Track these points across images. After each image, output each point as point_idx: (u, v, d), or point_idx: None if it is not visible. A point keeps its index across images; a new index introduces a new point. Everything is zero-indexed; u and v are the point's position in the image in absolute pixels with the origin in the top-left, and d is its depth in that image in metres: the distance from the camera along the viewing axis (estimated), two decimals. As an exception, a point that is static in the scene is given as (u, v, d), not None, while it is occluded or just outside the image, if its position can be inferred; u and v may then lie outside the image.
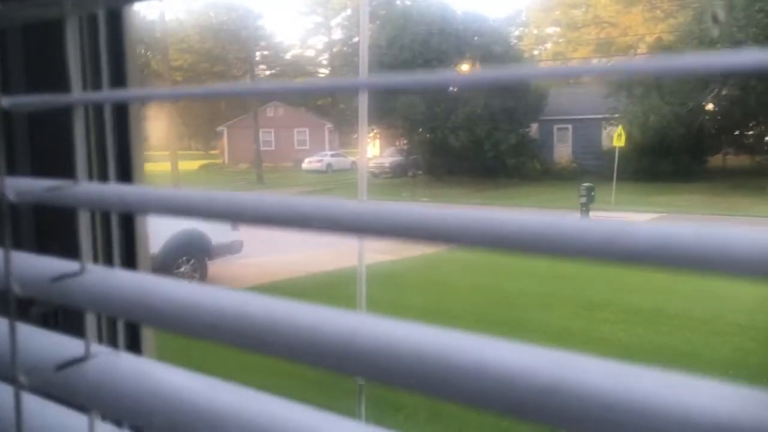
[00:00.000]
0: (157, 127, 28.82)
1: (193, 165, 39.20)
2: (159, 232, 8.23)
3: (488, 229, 0.33)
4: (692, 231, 0.28)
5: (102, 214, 0.64)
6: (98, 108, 0.65)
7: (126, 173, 0.68)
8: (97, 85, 0.64)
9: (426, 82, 0.36)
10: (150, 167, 27.25)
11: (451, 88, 28.68)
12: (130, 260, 0.68)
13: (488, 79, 0.36)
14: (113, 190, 0.48)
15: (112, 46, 0.64)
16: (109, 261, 0.62)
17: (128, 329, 0.66)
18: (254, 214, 0.39)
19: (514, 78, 0.36)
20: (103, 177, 0.66)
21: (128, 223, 0.67)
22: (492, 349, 0.32)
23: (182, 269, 8.98)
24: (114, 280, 0.48)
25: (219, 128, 43.10)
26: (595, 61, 44.52)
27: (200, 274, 9.19)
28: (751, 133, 28.29)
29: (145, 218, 0.75)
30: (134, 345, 0.67)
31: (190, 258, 9.05)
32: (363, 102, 4.63)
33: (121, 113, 0.67)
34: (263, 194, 0.40)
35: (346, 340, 0.34)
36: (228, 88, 0.44)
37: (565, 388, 0.29)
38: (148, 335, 0.69)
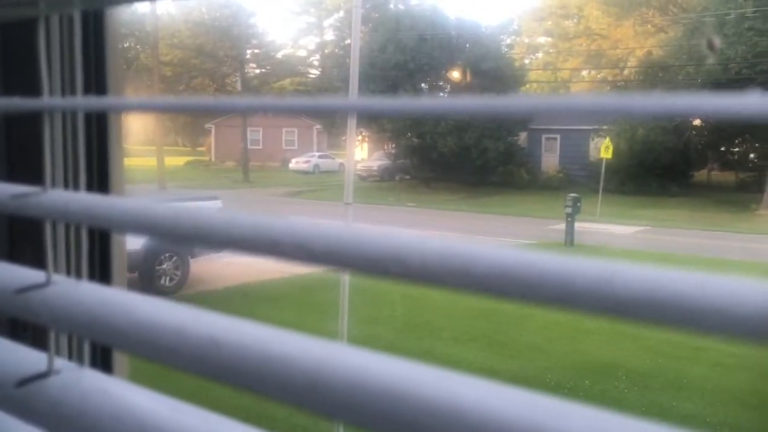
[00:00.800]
0: (143, 122, 28.64)
1: (179, 161, 38.95)
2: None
3: (475, 268, 0.31)
4: (688, 280, 0.26)
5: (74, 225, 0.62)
6: (74, 113, 0.63)
7: (103, 182, 0.65)
8: (72, 91, 0.62)
9: (416, 108, 0.35)
10: (135, 162, 27.08)
11: (441, 94, 28.72)
12: (103, 271, 0.66)
13: (476, 108, 0.34)
14: (79, 200, 0.46)
15: (92, 49, 0.61)
16: (78, 273, 0.60)
17: (96, 344, 0.64)
18: (226, 237, 0.37)
19: (505, 109, 0.34)
20: (75, 186, 0.63)
21: (106, 233, 0.65)
22: (473, 390, 0.30)
23: (164, 266, 8.90)
24: (79, 294, 0.46)
25: (207, 125, 42.89)
26: (585, 72, 44.79)
27: (182, 271, 9.11)
28: (736, 149, 28.58)
29: (122, 238, 0.73)
30: (105, 360, 0.65)
31: (172, 255, 8.97)
32: (354, 79, 4.61)
33: (100, 120, 0.64)
34: (239, 215, 0.38)
35: (327, 377, 0.33)
36: (212, 102, 0.42)
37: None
38: (118, 354, 0.67)
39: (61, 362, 0.48)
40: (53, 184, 0.53)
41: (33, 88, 0.58)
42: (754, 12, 20.28)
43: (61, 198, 0.47)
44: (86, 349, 0.53)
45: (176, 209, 0.41)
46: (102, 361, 0.64)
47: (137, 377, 0.64)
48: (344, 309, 4.77)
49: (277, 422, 4.60)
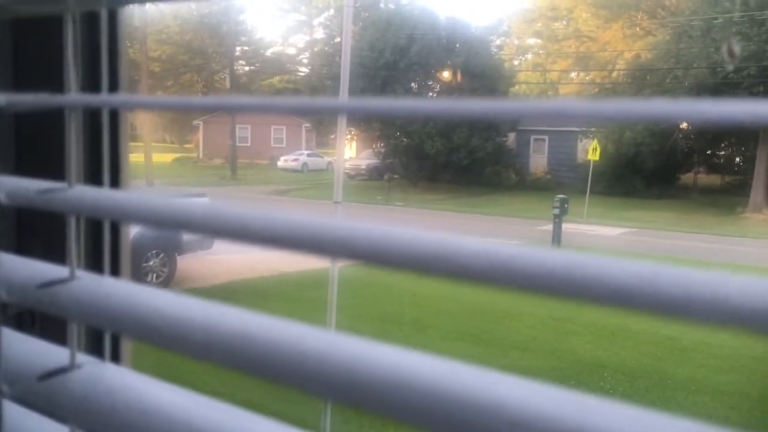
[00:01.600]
0: (131, 119, 28.41)
1: (166, 158, 38.76)
2: (130, 224, 8.10)
3: (470, 261, 0.32)
4: (681, 274, 0.28)
5: (93, 219, 0.62)
6: (91, 111, 0.63)
7: (115, 179, 0.66)
8: (94, 87, 0.62)
9: (405, 109, 0.36)
10: (123, 158, 26.81)
11: (430, 94, 28.73)
12: (115, 268, 0.66)
13: (464, 110, 0.35)
14: (109, 196, 0.47)
15: (110, 47, 0.62)
16: (98, 268, 0.60)
17: (111, 338, 0.64)
18: (260, 232, 0.38)
19: (493, 111, 0.35)
20: (96, 182, 0.64)
21: (116, 229, 0.65)
22: (511, 387, 0.31)
23: (151, 263, 8.85)
24: (105, 288, 0.46)
25: (195, 122, 42.69)
26: (573, 74, 44.98)
27: (169, 269, 9.06)
28: (722, 153, 28.85)
29: (127, 230, 0.74)
30: (115, 354, 0.65)
31: (159, 252, 8.92)
32: (344, 78, 4.60)
33: (114, 117, 0.65)
34: (267, 211, 0.39)
35: (361, 371, 0.33)
36: (214, 101, 0.42)
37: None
38: (126, 344, 0.67)
39: (82, 357, 0.48)
40: (76, 181, 0.54)
41: (47, 85, 0.58)
42: (741, 16, 20.46)
43: (87, 194, 0.47)
44: (106, 343, 0.53)
45: (204, 204, 0.42)
46: (113, 356, 0.65)
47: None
48: (332, 306, 4.78)
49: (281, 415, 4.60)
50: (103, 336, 0.55)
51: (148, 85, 28.29)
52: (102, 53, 0.56)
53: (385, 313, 7.90)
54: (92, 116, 0.65)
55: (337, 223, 0.36)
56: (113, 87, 0.65)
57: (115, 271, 0.69)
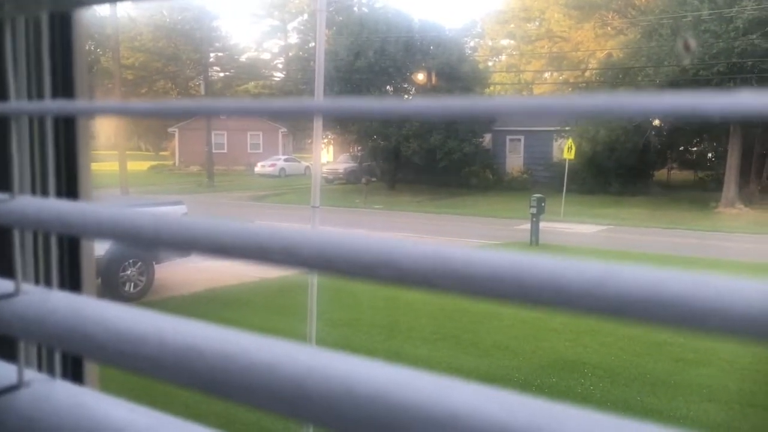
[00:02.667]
0: (105, 126, 28.14)
1: (142, 166, 38.41)
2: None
3: (454, 270, 0.31)
4: (685, 280, 0.27)
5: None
6: (43, 118, 0.60)
7: (72, 187, 0.63)
8: (40, 94, 0.60)
9: (380, 109, 0.35)
10: (97, 167, 26.58)
11: (406, 96, 28.79)
12: (73, 280, 0.63)
13: (439, 110, 0.34)
14: (51, 207, 0.44)
15: (59, 51, 0.60)
16: (47, 282, 0.58)
17: (67, 355, 0.61)
18: (208, 242, 0.36)
19: (470, 109, 0.34)
20: (44, 192, 0.61)
21: (74, 241, 0.63)
22: (468, 395, 0.30)
23: (128, 272, 8.75)
24: (51, 304, 0.44)
25: (170, 129, 42.35)
26: (547, 74, 45.35)
27: (147, 277, 8.96)
28: (695, 149, 29.24)
29: (91, 244, 0.71)
30: (76, 371, 0.62)
31: (136, 261, 8.82)
32: (319, 82, 4.58)
33: (68, 124, 0.62)
34: (220, 221, 0.38)
35: (315, 384, 0.32)
36: (181, 105, 0.41)
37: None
38: (89, 363, 0.64)
39: (31, 374, 0.46)
40: (21, 191, 0.52)
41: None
42: (710, 14, 20.76)
43: (31, 204, 0.45)
44: (57, 360, 0.51)
45: (152, 215, 0.40)
46: (73, 372, 0.62)
47: (107, 389, 0.63)
48: (312, 312, 4.75)
49: (248, 426, 4.56)
50: (54, 353, 0.53)
51: (122, 93, 27.99)
52: (44, 58, 0.54)
53: (366, 318, 7.88)
54: (44, 125, 0.62)
55: (280, 232, 0.34)
56: (67, 93, 0.63)
57: (74, 284, 0.66)
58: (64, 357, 0.60)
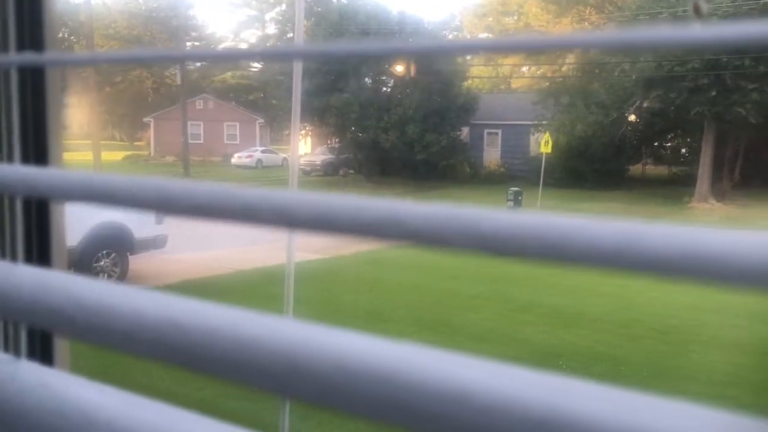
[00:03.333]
0: (79, 115, 27.74)
1: (116, 156, 37.96)
2: (77, 223, 7.87)
3: (436, 224, 0.29)
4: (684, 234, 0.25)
5: (8, 201, 0.56)
6: (7, 74, 0.56)
7: (41, 154, 0.59)
8: (5, 47, 0.56)
9: (360, 50, 0.32)
10: (70, 157, 26.21)
11: (384, 89, 28.71)
12: (42, 255, 0.60)
13: (423, 49, 0.32)
14: (18, 171, 0.41)
15: (26, 6, 0.55)
16: (13, 256, 0.55)
17: (35, 333, 0.58)
18: (185, 203, 0.34)
19: (449, 49, 0.32)
20: (9, 159, 0.57)
21: (42, 212, 0.59)
22: (475, 371, 0.28)
23: (101, 263, 8.63)
24: (16, 278, 0.41)
25: (146, 119, 41.87)
26: (525, 68, 45.55)
27: (121, 269, 8.84)
28: (669, 144, 29.61)
29: (61, 207, 0.68)
30: (45, 350, 0.59)
31: (110, 252, 8.70)
32: (297, 73, 4.51)
33: (36, 84, 0.58)
34: (193, 182, 0.35)
35: (306, 356, 0.29)
36: (153, 52, 0.38)
37: (561, 417, 0.25)
38: (60, 341, 0.61)
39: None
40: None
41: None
42: (684, 11, 20.98)
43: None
44: (23, 339, 0.48)
45: (127, 178, 0.37)
46: (41, 352, 0.59)
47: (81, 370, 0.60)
48: (289, 301, 4.71)
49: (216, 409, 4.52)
50: (20, 331, 0.50)
51: (96, 81, 27.56)
52: (9, 11, 0.50)
53: (343, 307, 7.86)
54: (8, 84, 0.58)
55: (269, 194, 0.32)
56: (35, 46, 0.59)
57: (44, 259, 0.63)
58: (32, 337, 0.56)
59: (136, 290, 0.38)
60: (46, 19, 0.55)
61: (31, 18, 0.54)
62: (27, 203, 0.57)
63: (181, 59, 0.39)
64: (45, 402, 0.38)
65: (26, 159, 0.57)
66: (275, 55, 0.36)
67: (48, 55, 0.52)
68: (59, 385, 0.40)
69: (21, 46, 0.56)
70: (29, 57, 0.52)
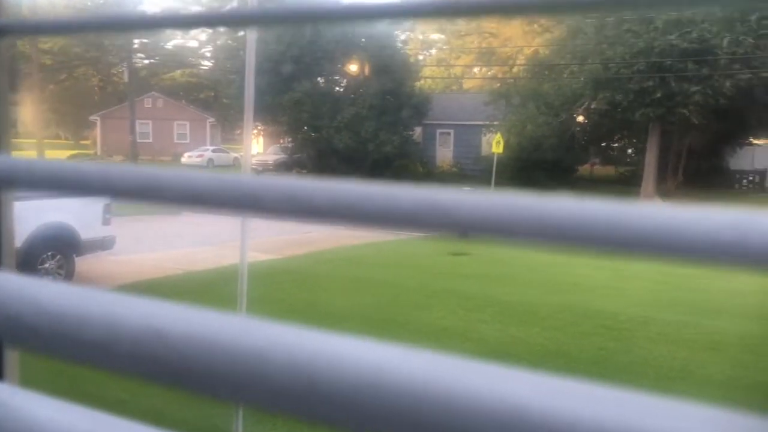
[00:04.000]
0: (21, 113, 26.89)
1: (61, 155, 36.94)
2: (21, 224, 7.62)
3: (415, 206, 0.28)
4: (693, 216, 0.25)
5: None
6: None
7: None
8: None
9: (317, 13, 0.31)
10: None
11: (337, 88, 28.61)
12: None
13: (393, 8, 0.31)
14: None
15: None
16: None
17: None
18: (128, 185, 0.32)
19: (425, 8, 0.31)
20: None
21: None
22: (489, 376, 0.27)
23: (46, 265, 8.38)
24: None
25: (92, 117, 40.85)
26: (476, 69, 45.99)
27: (66, 270, 8.60)
28: (616, 145, 30.32)
29: (10, 198, 0.64)
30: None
31: (55, 253, 8.45)
32: (251, 45, 4.41)
33: None
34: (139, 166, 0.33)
35: (325, 372, 0.28)
36: (106, 18, 0.36)
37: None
38: (9, 353, 0.57)
39: None
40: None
41: None
42: (631, 15, 21.51)
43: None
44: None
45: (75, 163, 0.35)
46: None
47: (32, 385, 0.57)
48: (242, 302, 4.65)
49: (185, 424, 4.43)
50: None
51: (40, 78, 26.76)
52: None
53: (297, 307, 7.80)
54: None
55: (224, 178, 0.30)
56: None
57: None
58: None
59: (109, 295, 0.36)
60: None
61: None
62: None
63: (135, 27, 0.37)
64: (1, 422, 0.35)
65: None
66: (229, 20, 0.35)
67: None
68: (13, 402, 0.37)
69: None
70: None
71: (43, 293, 0.35)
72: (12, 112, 0.62)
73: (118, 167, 0.34)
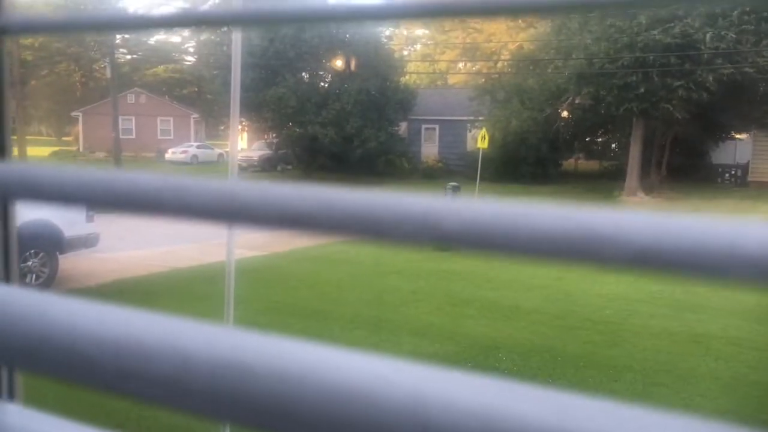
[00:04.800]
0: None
1: (43, 152, 36.57)
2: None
3: (403, 216, 0.28)
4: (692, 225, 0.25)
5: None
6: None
7: None
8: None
9: (301, 15, 0.31)
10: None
11: (322, 83, 28.51)
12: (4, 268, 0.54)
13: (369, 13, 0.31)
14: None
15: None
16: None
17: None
18: (152, 203, 0.32)
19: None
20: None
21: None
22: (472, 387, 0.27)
23: (29, 263, 8.30)
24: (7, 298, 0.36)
25: (74, 113, 40.46)
26: (461, 64, 46.04)
27: (50, 268, 8.52)
28: (600, 140, 30.48)
29: (15, 215, 0.63)
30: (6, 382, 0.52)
31: (38, 251, 8.37)
32: (236, 45, 4.38)
33: None
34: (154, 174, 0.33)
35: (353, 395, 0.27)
36: (98, 18, 0.36)
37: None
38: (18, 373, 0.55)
39: None
40: None
41: None
42: (615, 10, 21.59)
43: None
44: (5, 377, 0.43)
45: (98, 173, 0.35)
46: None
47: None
48: (230, 299, 4.62)
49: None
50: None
51: (20, 74, 26.44)
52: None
53: (283, 305, 7.78)
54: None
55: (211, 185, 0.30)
56: None
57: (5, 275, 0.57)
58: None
59: (100, 306, 0.35)
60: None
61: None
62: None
63: (126, 27, 0.36)
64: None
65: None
66: (214, 21, 0.34)
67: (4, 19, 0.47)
68: (21, 423, 0.36)
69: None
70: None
71: (53, 310, 0.35)
72: (9, 115, 0.61)
73: (127, 176, 0.33)
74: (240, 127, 30.06)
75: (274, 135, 29.45)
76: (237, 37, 4.75)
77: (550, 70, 25.29)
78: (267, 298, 8.03)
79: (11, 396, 0.45)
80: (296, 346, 0.29)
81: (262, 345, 0.29)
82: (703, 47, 20.08)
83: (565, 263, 0.28)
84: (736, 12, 19.60)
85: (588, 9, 0.31)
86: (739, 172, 26.96)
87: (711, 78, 20.27)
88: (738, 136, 27.15)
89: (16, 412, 0.41)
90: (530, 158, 25.87)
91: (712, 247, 0.25)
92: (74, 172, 0.35)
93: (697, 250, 0.25)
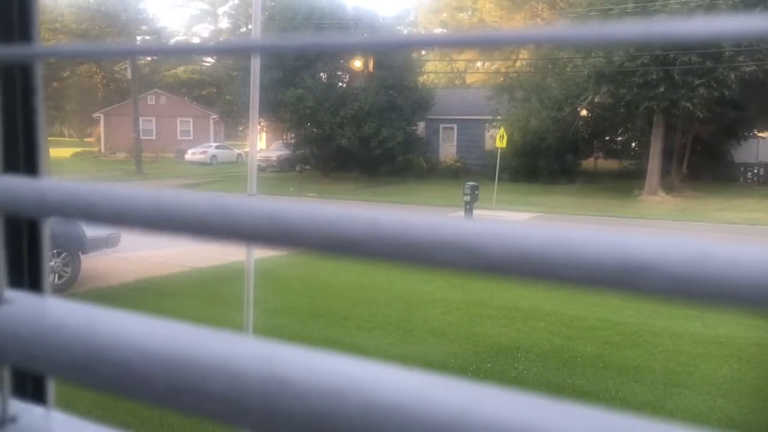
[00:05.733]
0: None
1: (65, 153, 37.00)
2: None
3: (410, 241, 0.30)
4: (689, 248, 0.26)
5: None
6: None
7: (31, 163, 0.56)
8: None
9: (318, 44, 0.33)
10: (17, 153, 25.36)
11: (340, 84, 28.56)
12: (35, 277, 0.57)
13: (380, 44, 0.33)
14: (38, 185, 0.39)
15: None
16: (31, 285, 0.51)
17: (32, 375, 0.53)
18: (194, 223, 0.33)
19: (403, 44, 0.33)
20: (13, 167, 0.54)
21: (34, 231, 0.56)
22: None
23: (52, 263, 8.41)
24: (46, 312, 0.38)
25: (95, 114, 40.89)
26: (479, 63, 45.88)
27: (72, 268, 8.63)
28: (619, 139, 30.22)
29: (46, 229, 0.65)
30: (37, 387, 0.54)
31: (61, 251, 8.48)
32: (255, 70, 4.43)
33: (26, 84, 0.55)
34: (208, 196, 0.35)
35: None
36: (127, 47, 0.38)
37: None
38: (50, 382, 0.57)
39: (18, 405, 0.40)
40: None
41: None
42: (635, 7, 21.42)
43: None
44: (50, 385, 0.45)
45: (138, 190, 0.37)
46: (33, 387, 0.54)
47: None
48: (249, 300, 4.66)
49: None
50: (47, 377, 0.46)
51: (43, 76, 26.73)
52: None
53: (301, 306, 7.82)
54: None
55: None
56: (24, 37, 0.56)
57: (35, 281, 0.60)
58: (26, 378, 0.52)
59: (149, 320, 0.37)
60: (35, 6, 0.52)
61: (20, 6, 0.51)
62: (11, 220, 0.54)
63: (152, 53, 0.39)
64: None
65: (12, 168, 0.54)
66: (238, 50, 0.36)
67: (38, 48, 0.49)
68: (53, 427, 0.38)
69: (6, 38, 0.52)
70: (19, 50, 0.49)
71: (102, 323, 0.36)
72: (43, 124, 0.63)
73: (157, 194, 0.35)
74: (259, 127, 30.25)
75: (292, 135, 29.55)
76: (256, 37, 4.77)
77: (569, 69, 25.14)
78: (285, 298, 8.07)
79: (44, 402, 0.47)
80: (343, 362, 0.31)
81: (308, 360, 0.31)
82: (724, 44, 19.85)
83: (611, 291, 0.29)
84: (759, 8, 19.35)
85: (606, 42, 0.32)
86: (762, 171, 26.59)
87: (732, 76, 20.02)
88: (760, 134, 26.79)
89: (59, 419, 0.43)
90: (549, 157, 25.72)
91: (754, 277, 0.26)
92: (108, 191, 0.37)
93: (740, 280, 0.26)
